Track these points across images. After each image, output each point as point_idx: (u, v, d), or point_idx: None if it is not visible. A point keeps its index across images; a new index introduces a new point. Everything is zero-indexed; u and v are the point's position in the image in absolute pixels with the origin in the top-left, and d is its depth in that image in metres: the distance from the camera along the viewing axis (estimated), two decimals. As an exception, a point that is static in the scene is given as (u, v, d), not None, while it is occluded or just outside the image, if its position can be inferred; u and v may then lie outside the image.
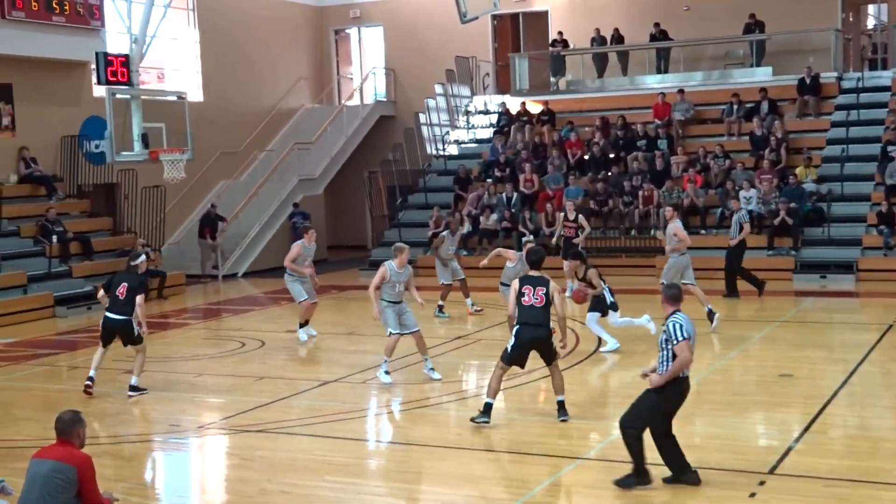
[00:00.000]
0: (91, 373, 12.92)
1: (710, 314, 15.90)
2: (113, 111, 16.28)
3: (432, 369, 13.06)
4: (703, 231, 22.66)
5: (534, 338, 10.53)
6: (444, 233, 18.62)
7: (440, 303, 18.05)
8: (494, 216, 24.53)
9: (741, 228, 18.92)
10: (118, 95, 16.53)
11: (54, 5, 22.15)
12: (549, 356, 10.73)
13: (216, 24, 28.04)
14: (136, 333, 12.75)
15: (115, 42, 22.91)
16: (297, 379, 13.45)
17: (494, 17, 29.56)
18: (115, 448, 10.53)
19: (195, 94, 26.34)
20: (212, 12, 27.93)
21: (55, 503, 6.56)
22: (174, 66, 27.15)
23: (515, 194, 24.95)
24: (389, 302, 12.83)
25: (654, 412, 8.44)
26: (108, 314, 12.75)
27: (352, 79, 32.71)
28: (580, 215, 20.00)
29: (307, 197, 28.22)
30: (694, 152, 25.00)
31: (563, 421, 10.73)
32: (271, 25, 30.04)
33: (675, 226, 16.77)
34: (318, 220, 29.30)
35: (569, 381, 12.64)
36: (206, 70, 27.86)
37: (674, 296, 8.60)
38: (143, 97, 16.95)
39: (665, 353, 8.35)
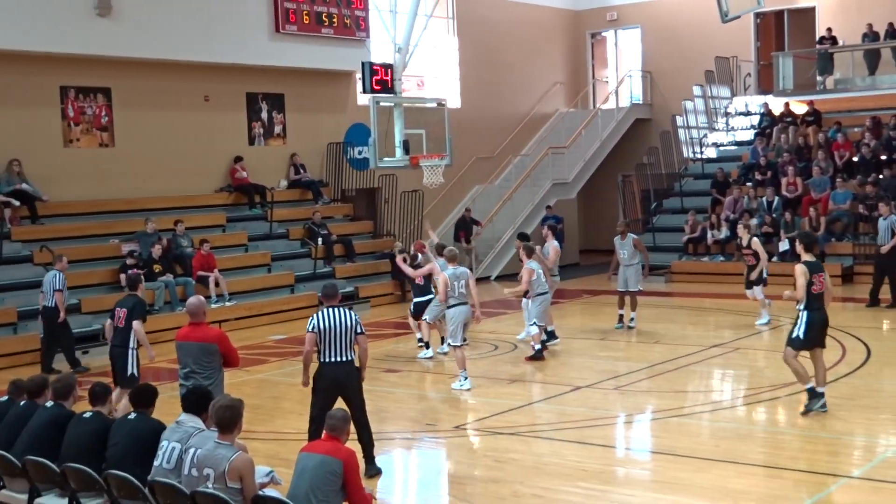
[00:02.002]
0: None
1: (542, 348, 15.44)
2: (377, 118, 16.90)
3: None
4: None
5: (824, 323, 11.14)
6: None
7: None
8: (754, 221, 23.76)
9: (893, 234, 18.26)
10: (382, 103, 17.13)
11: (324, 18, 23.37)
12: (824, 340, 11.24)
13: (474, 31, 28.65)
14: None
15: (378, 51, 23.84)
16: (549, 383, 13.56)
17: (757, 15, 28.64)
18: (375, 444, 10.94)
19: (453, 101, 27.02)
20: (470, 20, 28.56)
21: (322, 494, 6.95)
22: (434, 73, 27.93)
23: (777, 198, 24.08)
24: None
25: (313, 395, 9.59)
26: (417, 299, 15.82)
27: (607, 82, 32.57)
28: (754, 238, 17.56)
29: (560, 201, 28.33)
30: (977, 153, 23.29)
31: (822, 410, 11.20)
32: (528, 31, 30.38)
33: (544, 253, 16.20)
34: (570, 224, 29.39)
35: (835, 395, 12.12)
36: (464, 76, 28.51)
37: (327, 294, 9.69)
38: (404, 104, 17.49)
39: None
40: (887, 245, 18.50)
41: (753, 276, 17.29)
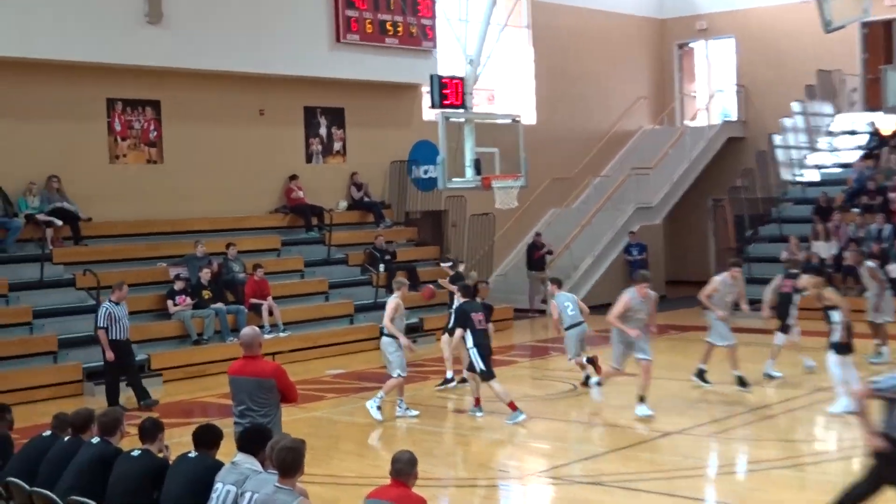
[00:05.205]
0: None
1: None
2: (445, 135, 16.92)
3: None
4: None
5: None
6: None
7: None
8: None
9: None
10: (451, 119, 17.16)
11: (388, 27, 23.53)
12: None
13: (552, 41, 28.64)
14: None
15: (447, 63, 23.94)
16: (634, 428, 13.39)
17: (864, 24, 28.23)
18: (440, 491, 10.87)
19: (528, 117, 26.94)
20: (547, 30, 28.56)
21: (391, 546, 6.89)
22: (506, 87, 27.95)
23: (887, 226, 23.64)
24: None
25: None
26: None
27: (696, 97, 32.36)
28: None
29: (644, 227, 28.13)
30: None
31: None
32: (609, 41, 30.32)
33: None
34: (655, 252, 29.15)
35: None
36: (539, 91, 28.50)
37: None
38: (476, 120, 17.49)
39: None
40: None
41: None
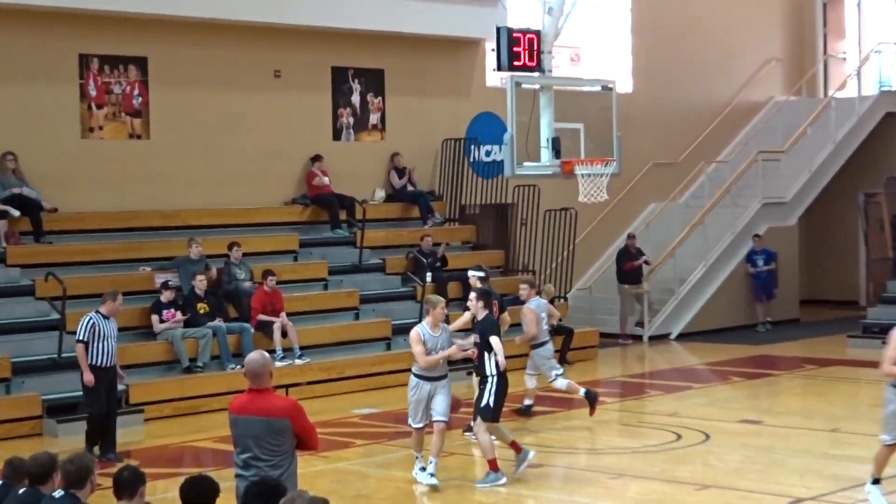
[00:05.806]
0: None
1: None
2: (515, 107, 16.90)
3: None
4: None
5: None
6: None
7: None
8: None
9: None
10: (524, 85, 17.15)
11: (442, -35, 23.61)
12: None
13: (655, -16, 28.66)
14: None
15: (518, 12, 23.93)
16: (756, 492, 13.34)
17: None
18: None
19: (622, 83, 26.89)
20: (649, -31, 28.61)
21: None
22: (595, 44, 27.86)
23: None
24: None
25: None
26: None
27: (845, 59, 32.16)
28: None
29: (773, 229, 27.95)
30: None
31: None
32: (731, -14, 30.31)
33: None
34: (788, 262, 28.95)
35: None
36: (638, 50, 28.48)
37: None
38: (555, 87, 17.46)
39: None
40: None
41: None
